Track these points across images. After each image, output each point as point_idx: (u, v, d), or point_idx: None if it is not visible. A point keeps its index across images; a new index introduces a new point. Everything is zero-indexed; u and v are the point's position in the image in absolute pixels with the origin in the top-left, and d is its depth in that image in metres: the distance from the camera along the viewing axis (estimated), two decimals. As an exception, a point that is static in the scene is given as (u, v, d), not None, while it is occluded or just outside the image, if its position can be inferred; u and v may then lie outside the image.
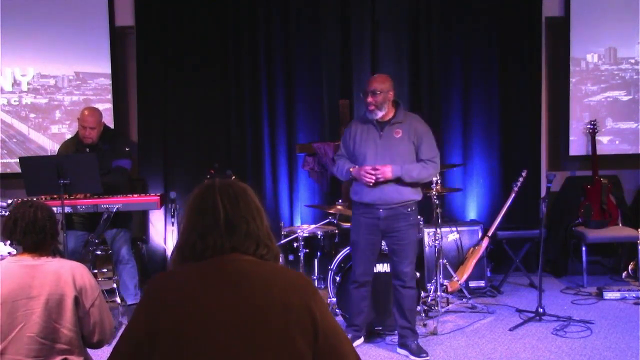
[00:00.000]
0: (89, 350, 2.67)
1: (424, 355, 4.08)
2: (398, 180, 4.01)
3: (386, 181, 3.99)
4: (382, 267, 4.45)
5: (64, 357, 2.51)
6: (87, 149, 4.80)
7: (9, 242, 2.64)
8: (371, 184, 3.99)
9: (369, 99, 4.02)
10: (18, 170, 5.03)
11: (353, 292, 4.26)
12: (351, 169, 4.09)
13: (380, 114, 4.05)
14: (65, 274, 2.54)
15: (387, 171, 3.96)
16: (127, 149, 4.97)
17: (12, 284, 2.50)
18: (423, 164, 4.05)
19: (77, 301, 2.54)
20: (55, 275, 2.53)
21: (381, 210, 4.05)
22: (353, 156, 4.16)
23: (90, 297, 2.57)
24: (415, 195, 4.12)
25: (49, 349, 2.49)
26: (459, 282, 5.21)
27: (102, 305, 2.62)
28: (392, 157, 4.01)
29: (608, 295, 5.27)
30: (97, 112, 4.86)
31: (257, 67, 6.00)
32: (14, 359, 2.45)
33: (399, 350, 4.20)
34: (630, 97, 6.22)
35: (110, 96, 6.06)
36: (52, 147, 6.00)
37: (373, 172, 3.97)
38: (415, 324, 4.22)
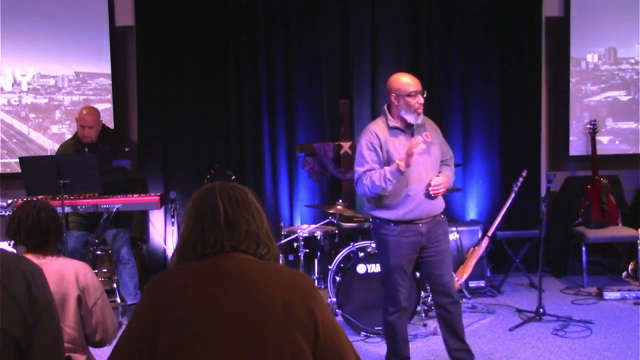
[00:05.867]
0: (91, 348, 2.67)
1: None
2: None
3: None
4: (378, 267, 4.41)
5: (66, 355, 2.51)
6: (87, 149, 4.83)
7: (12, 242, 2.63)
8: (435, 196, 3.62)
9: (421, 101, 3.55)
10: (18, 170, 5.03)
11: (397, 322, 3.71)
12: (399, 163, 3.45)
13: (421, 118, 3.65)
14: (69, 273, 2.55)
15: (446, 184, 3.64)
16: (127, 149, 5.02)
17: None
18: (450, 167, 3.80)
19: (80, 300, 2.54)
20: (59, 274, 2.53)
21: (421, 225, 3.63)
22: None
23: (93, 296, 2.57)
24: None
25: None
26: (459, 282, 5.21)
27: (104, 304, 2.62)
28: (432, 163, 3.66)
29: (608, 295, 5.27)
30: (95, 111, 4.94)
31: (257, 67, 6.00)
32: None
33: None
34: (630, 97, 6.22)
35: (110, 96, 6.05)
36: (52, 147, 5.99)
37: (439, 187, 3.60)
38: (467, 343, 3.75)
